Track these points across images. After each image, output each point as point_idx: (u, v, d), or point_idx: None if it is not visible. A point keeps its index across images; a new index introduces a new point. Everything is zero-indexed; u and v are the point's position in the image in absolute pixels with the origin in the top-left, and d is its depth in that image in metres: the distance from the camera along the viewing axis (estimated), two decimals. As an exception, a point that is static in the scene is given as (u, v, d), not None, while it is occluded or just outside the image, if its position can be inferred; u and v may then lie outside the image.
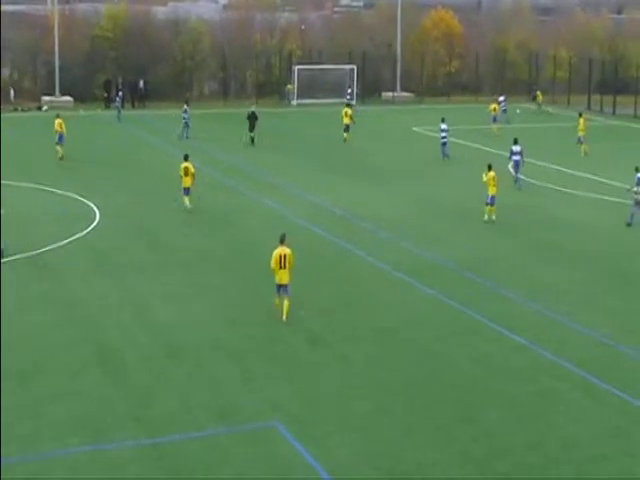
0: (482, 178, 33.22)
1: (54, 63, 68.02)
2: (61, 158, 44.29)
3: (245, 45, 74.87)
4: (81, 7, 76.32)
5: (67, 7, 75.38)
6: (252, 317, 22.83)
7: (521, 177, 39.79)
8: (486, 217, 32.78)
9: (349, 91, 68.21)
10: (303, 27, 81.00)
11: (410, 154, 48.95)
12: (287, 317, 22.07)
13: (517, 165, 39.50)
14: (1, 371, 18.85)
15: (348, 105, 56.64)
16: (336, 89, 72.13)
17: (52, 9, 70.04)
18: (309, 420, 17.20)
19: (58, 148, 44.42)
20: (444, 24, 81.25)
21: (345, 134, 51.98)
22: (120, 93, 61.95)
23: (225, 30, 76.46)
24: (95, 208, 33.89)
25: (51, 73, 69.37)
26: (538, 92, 70.65)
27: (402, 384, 19.02)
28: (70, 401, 17.80)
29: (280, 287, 22.15)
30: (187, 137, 51.01)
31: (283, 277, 22.02)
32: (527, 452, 16.17)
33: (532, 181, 40.94)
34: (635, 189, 32.77)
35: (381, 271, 27.10)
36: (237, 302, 23.97)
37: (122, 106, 61.31)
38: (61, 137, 44.51)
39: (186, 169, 33.84)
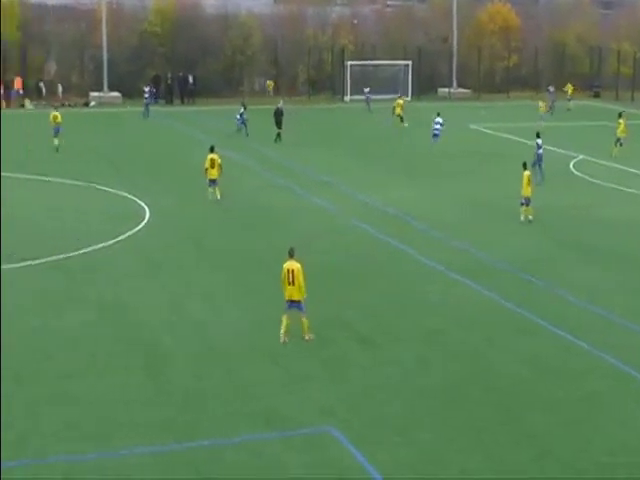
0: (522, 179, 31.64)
1: (102, 58, 66.93)
2: (57, 150, 44.49)
3: (297, 40, 73.21)
4: (128, 1, 75.03)
5: (114, 1, 74.15)
6: (300, 320, 21.44)
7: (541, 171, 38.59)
8: (522, 218, 31.43)
9: (366, 90, 65.63)
10: (355, 22, 79.05)
11: (466, 153, 46.96)
12: (309, 336, 20.41)
13: (540, 159, 38.53)
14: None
15: (400, 97, 55.48)
16: (390, 85, 70.12)
17: (99, 3, 68.84)
18: (361, 425, 16.56)
19: (55, 141, 44.69)
20: (501, 17, 78.79)
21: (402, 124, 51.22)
22: (147, 88, 60.38)
23: (276, 25, 74.80)
24: (145, 207, 33.08)
25: (99, 68, 68.30)
26: (568, 84, 67.78)
27: (452, 387, 18.32)
28: (112, 403, 17.27)
29: (291, 303, 20.26)
30: (247, 134, 49.47)
31: (293, 293, 20.16)
32: (575, 457, 15.46)
33: (590, 179, 39.15)
34: None
35: (433, 271, 26.16)
36: (283, 303, 22.50)
37: (155, 101, 60.98)
38: (57, 129, 44.84)
39: (212, 161, 33.63)
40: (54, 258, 26.50)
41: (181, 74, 67.81)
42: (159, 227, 30.49)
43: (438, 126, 47.81)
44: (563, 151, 46.20)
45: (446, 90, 73.34)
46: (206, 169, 33.80)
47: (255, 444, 15.74)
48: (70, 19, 73.56)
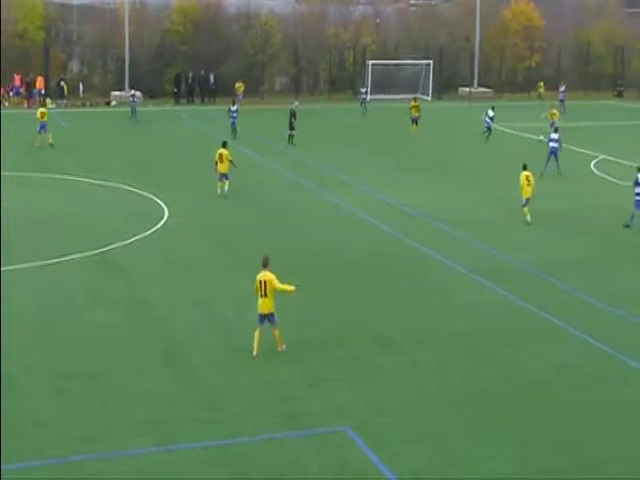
0: (520, 181, 31.48)
1: (124, 58, 67.06)
2: (39, 146, 44.82)
3: (318, 39, 73.07)
4: (151, 0, 75.23)
5: (137, 0, 74.34)
6: (320, 320, 21.80)
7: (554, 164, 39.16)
8: (528, 219, 31.06)
9: (363, 90, 62.92)
10: (378, 21, 78.80)
11: (487, 152, 46.67)
12: (282, 348, 19.59)
13: (554, 152, 39.27)
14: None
15: (415, 99, 54.50)
16: (411, 84, 69.83)
17: (122, 3, 69.01)
18: (378, 426, 16.45)
19: (39, 137, 45.12)
20: (524, 16, 78.28)
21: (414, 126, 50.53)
22: (132, 92, 58.47)
23: (297, 24, 74.66)
24: (164, 206, 33.03)
25: (121, 68, 68.45)
26: (539, 83, 67.49)
27: (474, 391, 18.04)
28: (137, 402, 17.32)
29: (263, 317, 19.30)
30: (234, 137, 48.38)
31: (265, 305, 19.17)
32: (608, 465, 15.21)
33: (611, 179, 38.73)
34: (636, 190, 30.60)
35: (455, 273, 25.81)
36: (304, 304, 22.69)
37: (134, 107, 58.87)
38: (43, 126, 45.25)
39: (221, 155, 34.23)
40: (75, 256, 26.48)
41: (202, 73, 67.83)
42: (179, 226, 30.41)
43: (488, 119, 48.31)
44: (584, 151, 45.83)
45: (466, 89, 72.95)
46: (215, 163, 34.50)
47: (274, 442, 15.73)
48: (93, 19, 73.90)
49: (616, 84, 74.68)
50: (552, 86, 72.73)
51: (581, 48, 77.61)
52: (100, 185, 36.67)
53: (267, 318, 19.29)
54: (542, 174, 37.64)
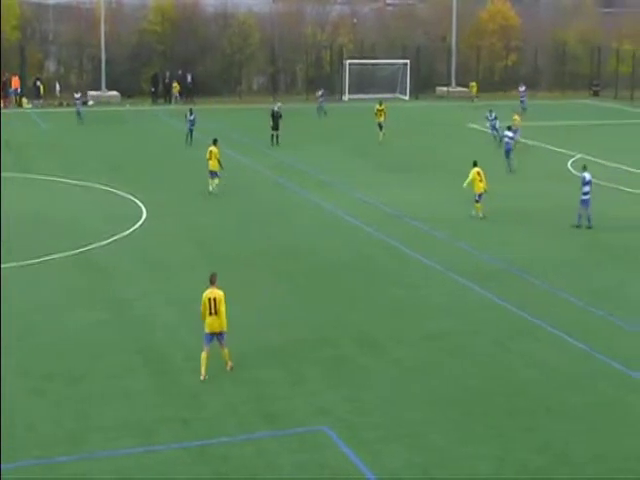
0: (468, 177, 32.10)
1: (100, 57, 66.73)
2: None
3: (295, 39, 73.05)
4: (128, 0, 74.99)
5: (114, 0, 74.02)
6: (301, 319, 21.79)
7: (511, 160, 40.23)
8: (481, 214, 31.63)
9: (319, 94, 60.67)
10: (355, 21, 78.85)
11: (465, 151, 46.68)
12: (230, 365, 18.58)
13: (507, 150, 40.30)
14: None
15: (381, 102, 52.67)
16: (389, 84, 69.93)
17: (98, 2, 68.66)
18: (359, 426, 16.43)
19: None
20: (501, 16, 78.56)
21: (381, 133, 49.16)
22: (78, 95, 57.72)
23: (275, 23, 74.59)
24: (142, 205, 32.98)
25: (97, 67, 68.12)
26: (472, 83, 67.96)
27: (456, 390, 18.06)
28: (116, 402, 17.31)
29: (211, 336, 18.24)
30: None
31: (215, 324, 18.14)
32: (589, 464, 15.26)
33: (595, 181, 38.79)
34: (584, 189, 30.55)
35: (435, 272, 25.84)
36: (285, 304, 22.93)
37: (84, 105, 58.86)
38: None
39: (211, 152, 34.92)
40: (53, 257, 26.36)
41: (180, 73, 67.62)
42: (157, 225, 30.33)
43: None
44: (561, 150, 46.07)
45: (444, 89, 73.13)
46: (207, 160, 35.14)
47: (252, 442, 15.69)
48: (69, 18, 73.49)
49: (592, 84, 75.09)
50: (529, 86, 73.05)
51: (557, 48, 77.97)
52: (78, 185, 36.50)
53: (216, 337, 18.28)
54: (510, 171, 38.05)
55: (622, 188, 37.69)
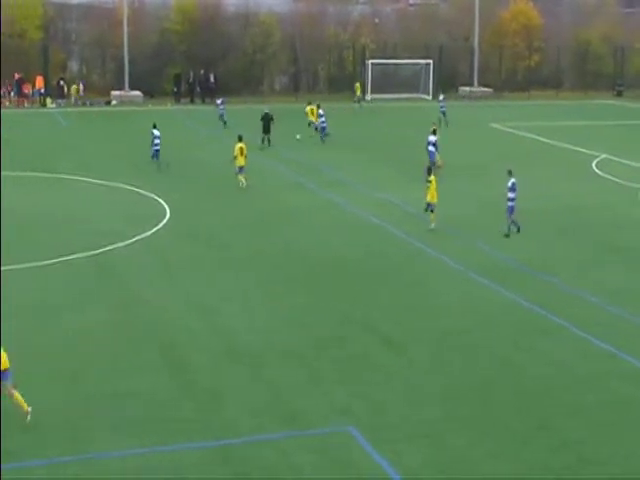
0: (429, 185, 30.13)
1: (123, 57, 66.98)
2: None
3: (317, 39, 73.07)
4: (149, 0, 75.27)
5: (136, 0, 74.28)
6: (318, 319, 21.70)
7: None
8: (432, 225, 29.86)
9: (219, 102, 55.04)
10: (377, 20, 78.79)
11: (487, 151, 46.64)
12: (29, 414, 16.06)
13: (432, 155, 39.24)
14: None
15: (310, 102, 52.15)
16: (411, 84, 69.85)
17: (120, 2, 68.90)
18: (379, 425, 16.31)
19: None
20: (523, 16, 78.37)
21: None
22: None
23: (296, 23, 74.63)
24: (165, 205, 32.97)
25: (120, 67, 68.35)
26: (357, 84, 65.69)
27: (473, 389, 17.94)
28: (134, 402, 17.17)
29: None
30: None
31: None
32: (609, 463, 15.09)
33: (613, 179, 38.80)
34: (509, 195, 29.28)
35: (452, 271, 25.73)
36: (303, 303, 22.78)
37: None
38: None
39: (241, 149, 35.91)
40: (74, 256, 26.36)
41: (202, 73, 67.75)
42: (180, 226, 30.31)
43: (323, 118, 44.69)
44: (585, 150, 45.84)
45: (467, 89, 72.95)
46: (235, 157, 35.98)
47: (272, 443, 15.59)
48: (92, 18, 73.80)
49: (615, 83, 74.74)
50: (552, 86, 72.91)
51: (580, 47, 77.64)
52: (102, 185, 36.60)
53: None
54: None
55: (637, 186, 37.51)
